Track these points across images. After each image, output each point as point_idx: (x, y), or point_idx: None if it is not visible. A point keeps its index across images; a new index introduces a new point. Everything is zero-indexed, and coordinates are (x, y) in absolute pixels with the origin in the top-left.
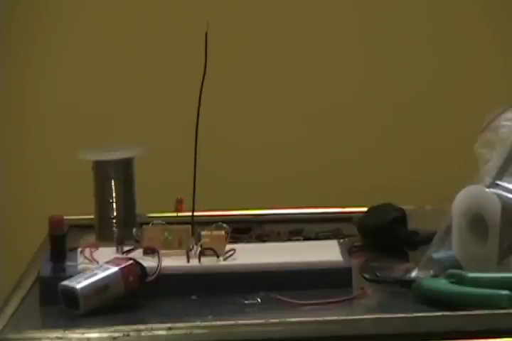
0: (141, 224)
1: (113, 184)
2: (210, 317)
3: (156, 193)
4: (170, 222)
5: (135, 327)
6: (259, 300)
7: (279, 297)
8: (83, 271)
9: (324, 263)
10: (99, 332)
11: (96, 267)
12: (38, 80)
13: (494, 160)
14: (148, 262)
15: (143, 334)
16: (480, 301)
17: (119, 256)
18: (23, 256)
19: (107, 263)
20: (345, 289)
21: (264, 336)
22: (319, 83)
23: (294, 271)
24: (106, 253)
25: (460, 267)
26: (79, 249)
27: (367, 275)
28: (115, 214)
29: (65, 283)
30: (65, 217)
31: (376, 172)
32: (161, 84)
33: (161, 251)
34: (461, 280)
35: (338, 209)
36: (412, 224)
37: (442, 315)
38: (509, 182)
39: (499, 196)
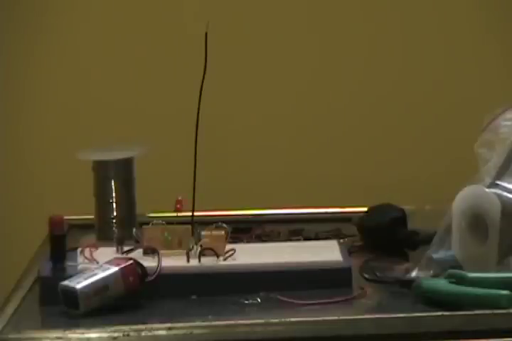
0: (141, 224)
1: (113, 184)
2: (210, 317)
3: (156, 193)
4: (170, 221)
5: (135, 327)
6: (259, 300)
7: (279, 297)
8: (83, 271)
9: (324, 263)
10: (99, 332)
11: (96, 267)
12: (38, 80)
13: (494, 160)
14: (148, 262)
15: (143, 334)
16: (480, 301)
17: (119, 256)
18: (23, 256)
19: (106, 263)
20: (345, 289)
21: (264, 336)
22: (319, 83)
23: (294, 271)
24: (106, 253)
25: (460, 267)
26: (79, 249)
27: (367, 275)
28: (115, 214)
29: (65, 283)
30: (65, 217)
31: (376, 172)
32: (161, 85)
33: (161, 251)
34: (461, 280)
35: (338, 209)
36: (412, 224)
37: (442, 315)
38: (509, 182)
39: (499, 196)
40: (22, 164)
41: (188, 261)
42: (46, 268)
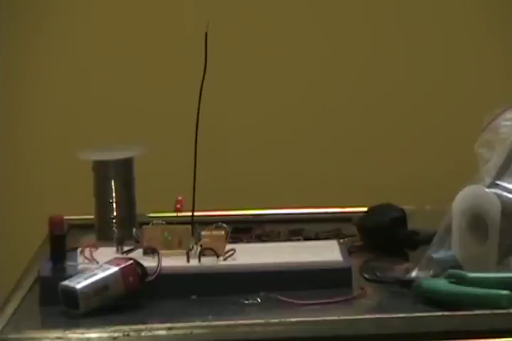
0: (141, 224)
1: (113, 184)
2: (210, 317)
3: (156, 193)
4: (170, 221)
5: (135, 327)
6: (259, 300)
7: (279, 297)
8: (83, 271)
9: (324, 263)
10: (99, 332)
11: (96, 267)
12: (38, 80)
13: (494, 160)
14: (148, 262)
15: (143, 334)
16: (480, 301)
17: (119, 256)
18: (23, 256)
19: (106, 263)
20: (345, 289)
21: (264, 336)
22: (319, 83)
23: (294, 271)
24: (106, 253)
25: (460, 267)
26: (79, 249)
27: (367, 275)
28: (115, 214)
29: (65, 283)
30: (65, 217)
31: (376, 172)
32: (161, 85)
33: (161, 251)
34: (461, 280)
35: (338, 209)
36: (412, 224)
37: (442, 315)
38: (509, 182)
39: (499, 196)
40: (22, 164)
41: (188, 261)
42: (46, 268)
